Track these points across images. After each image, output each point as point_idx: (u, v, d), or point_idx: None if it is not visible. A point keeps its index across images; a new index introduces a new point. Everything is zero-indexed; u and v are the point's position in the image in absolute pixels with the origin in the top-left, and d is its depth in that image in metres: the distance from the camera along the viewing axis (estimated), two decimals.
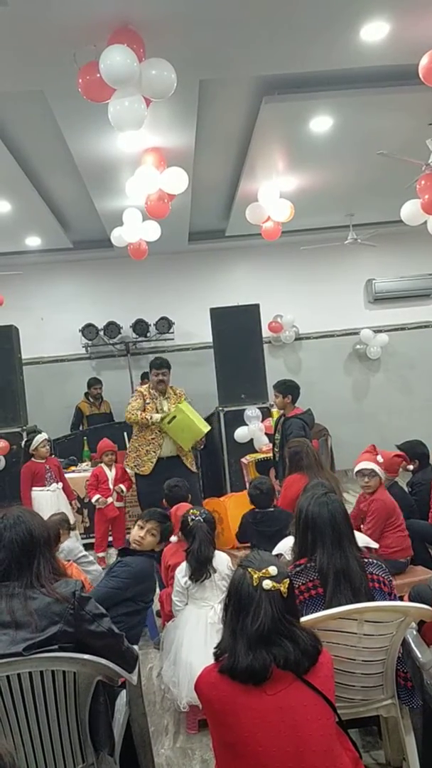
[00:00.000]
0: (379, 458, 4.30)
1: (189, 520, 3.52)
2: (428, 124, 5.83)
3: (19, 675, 2.14)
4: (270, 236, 7.36)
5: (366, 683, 2.45)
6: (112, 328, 9.44)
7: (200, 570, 3.37)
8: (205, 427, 5.66)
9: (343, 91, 5.37)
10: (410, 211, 6.42)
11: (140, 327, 9.47)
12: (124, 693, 2.58)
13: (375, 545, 3.40)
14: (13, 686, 2.14)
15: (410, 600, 3.26)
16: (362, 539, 3.19)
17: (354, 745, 2.07)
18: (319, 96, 5.39)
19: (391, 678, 2.48)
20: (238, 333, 7.95)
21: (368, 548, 3.17)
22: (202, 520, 3.52)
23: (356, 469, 4.33)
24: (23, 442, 6.30)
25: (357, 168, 7.07)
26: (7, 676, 2.13)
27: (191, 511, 3.63)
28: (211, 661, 1.97)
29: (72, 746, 2.23)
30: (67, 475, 6.54)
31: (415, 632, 2.61)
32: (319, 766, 1.82)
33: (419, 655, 2.49)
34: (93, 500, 5.98)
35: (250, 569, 1.94)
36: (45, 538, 2.33)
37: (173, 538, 3.74)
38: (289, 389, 5.75)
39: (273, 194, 7.07)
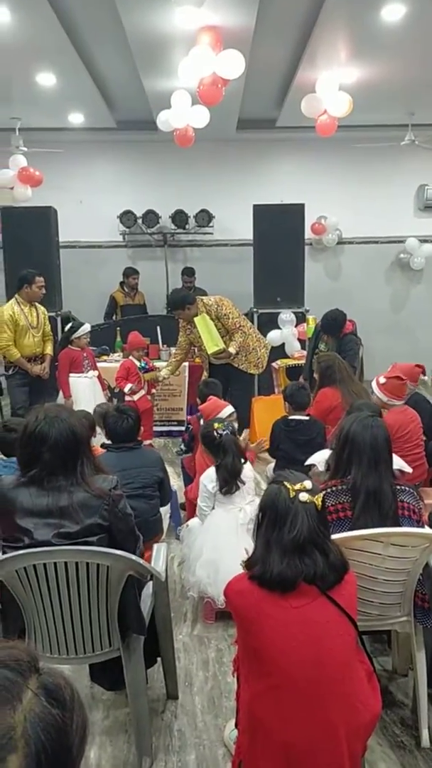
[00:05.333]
0: (381, 380, 4.18)
1: (216, 435, 3.54)
2: None
3: (55, 564, 2.24)
4: (324, 131, 6.99)
5: (384, 600, 2.54)
6: (151, 217, 9.22)
7: (231, 483, 3.43)
8: (212, 347, 5.68)
9: None
10: None
11: (179, 218, 9.23)
12: (150, 584, 2.71)
13: (409, 469, 3.41)
14: (49, 574, 2.25)
15: (431, 520, 3.32)
16: (397, 462, 3.21)
17: (369, 659, 2.16)
18: None
19: (410, 598, 2.56)
20: (279, 233, 7.72)
21: (402, 472, 3.19)
22: (230, 433, 3.54)
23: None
24: (67, 327, 6.31)
25: (424, 64, 6.57)
26: (44, 564, 2.24)
27: (216, 425, 3.63)
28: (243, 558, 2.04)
29: (101, 632, 2.38)
30: (99, 365, 6.59)
31: None
32: (337, 676, 1.91)
33: None
34: (126, 389, 6.01)
35: (286, 483, 1.97)
36: (86, 436, 2.40)
37: None
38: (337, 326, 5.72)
39: (332, 86, 6.65)
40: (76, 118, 8.44)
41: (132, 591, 2.43)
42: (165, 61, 6.19)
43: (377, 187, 9.51)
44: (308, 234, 8.76)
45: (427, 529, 2.62)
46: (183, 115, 6.49)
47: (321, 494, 1.98)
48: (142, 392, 6.06)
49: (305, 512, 1.93)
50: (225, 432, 3.53)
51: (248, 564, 1.99)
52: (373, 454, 2.57)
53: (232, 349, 5.75)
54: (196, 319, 5.73)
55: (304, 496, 1.93)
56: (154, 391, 6.37)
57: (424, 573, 2.56)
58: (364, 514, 2.52)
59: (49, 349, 6.21)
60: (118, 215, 9.23)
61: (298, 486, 1.95)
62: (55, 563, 2.25)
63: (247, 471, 3.55)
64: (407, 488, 2.62)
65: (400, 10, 5.36)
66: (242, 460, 3.50)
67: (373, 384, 4.21)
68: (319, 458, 3.41)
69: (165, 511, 3.90)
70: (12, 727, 0.77)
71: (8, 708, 0.79)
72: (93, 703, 2.85)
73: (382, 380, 4.15)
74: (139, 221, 9.24)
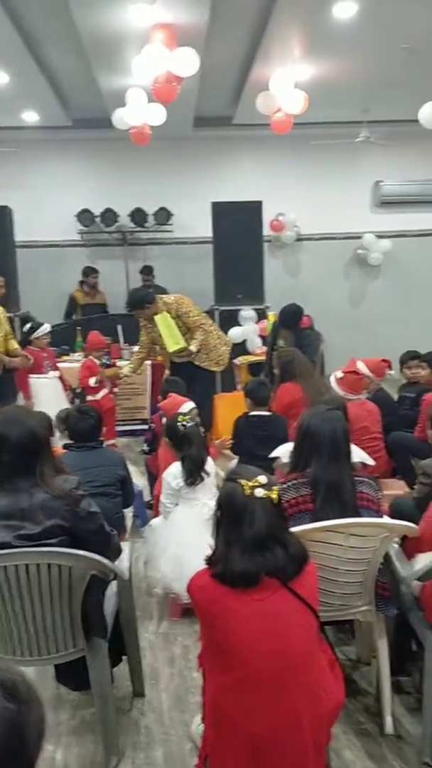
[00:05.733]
0: (338, 374, 4.23)
1: (180, 426, 3.55)
2: None
3: (16, 566, 2.23)
4: (280, 129, 7.03)
5: (346, 590, 2.58)
6: (109, 216, 9.17)
7: (196, 473, 3.44)
8: (173, 346, 5.67)
9: None
10: (430, 112, 6.15)
11: (138, 216, 9.19)
12: (114, 584, 2.70)
13: (371, 462, 3.48)
14: (10, 576, 2.23)
15: (391, 511, 3.38)
16: (359, 455, 3.26)
17: (331, 648, 2.19)
18: None
19: (371, 587, 2.61)
20: (238, 230, 7.75)
21: (363, 464, 3.24)
22: (194, 425, 3.56)
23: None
24: (26, 328, 6.22)
25: (378, 61, 6.66)
26: (4, 567, 2.22)
27: (180, 417, 3.65)
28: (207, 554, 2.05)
29: (65, 633, 2.37)
30: (59, 365, 6.54)
31: (397, 546, 2.72)
32: (300, 666, 1.93)
33: (399, 569, 2.61)
34: (91, 382, 5.95)
35: (240, 480, 1.98)
36: (46, 437, 2.38)
37: None
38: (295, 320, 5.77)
39: (287, 83, 6.68)
40: (30, 117, 8.34)
41: (95, 591, 2.42)
42: (119, 59, 6.16)
43: (334, 184, 9.61)
44: (267, 231, 8.80)
45: (386, 519, 2.67)
46: (139, 113, 6.46)
47: (276, 488, 2.00)
48: (105, 391, 6.03)
49: (262, 507, 1.94)
50: (189, 423, 3.55)
51: (210, 562, 2.00)
52: (333, 446, 2.61)
53: (193, 347, 5.75)
54: (156, 318, 5.72)
55: (259, 492, 1.95)
56: (116, 390, 6.34)
57: (384, 562, 2.61)
58: (325, 507, 2.56)
59: (16, 346, 6.07)
60: (75, 214, 9.15)
61: (252, 482, 1.96)
62: (16, 565, 2.23)
63: (210, 466, 3.57)
64: (366, 479, 2.67)
65: (352, 7, 5.42)
66: (206, 451, 3.52)
67: (331, 378, 4.27)
68: (284, 450, 3.43)
69: (128, 511, 3.90)
70: None
71: None
72: (59, 703, 2.83)
73: (339, 375, 4.21)
74: (98, 220, 9.17)
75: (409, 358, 5.17)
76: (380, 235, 9.75)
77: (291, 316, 5.83)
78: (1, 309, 6.12)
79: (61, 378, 6.22)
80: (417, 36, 5.70)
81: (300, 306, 5.89)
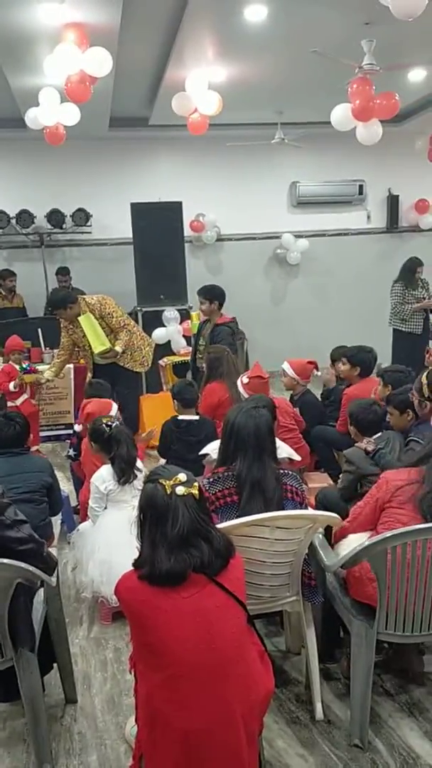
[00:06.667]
0: (245, 379, 4.32)
1: (105, 427, 3.53)
2: (364, 24, 5.63)
3: None
4: (196, 130, 7.06)
5: (274, 583, 2.63)
6: (25, 217, 8.96)
7: (128, 472, 3.43)
8: (98, 347, 5.63)
9: None
10: (340, 115, 6.32)
11: (56, 218, 9.03)
12: (41, 591, 2.66)
13: (297, 457, 3.55)
14: None
15: (317, 502, 3.47)
16: (286, 450, 3.32)
17: (260, 639, 2.23)
18: None
19: (297, 577, 2.67)
20: (159, 230, 7.75)
21: (291, 460, 3.31)
22: (120, 424, 3.55)
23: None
24: None
25: (289, 64, 6.79)
26: None
27: (103, 419, 3.62)
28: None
29: None
30: None
31: (321, 536, 2.80)
32: (231, 658, 1.96)
33: (324, 558, 2.68)
34: (11, 386, 5.80)
35: (161, 480, 2.00)
36: None
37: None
38: (216, 296, 5.72)
39: (201, 84, 6.72)
40: None
41: (22, 599, 2.38)
42: (30, 58, 6.03)
43: (252, 185, 9.74)
44: (188, 231, 8.83)
45: (310, 510, 2.74)
46: (52, 112, 6.34)
47: (196, 483, 2.03)
48: (25, 396, 5.90)
49: (184, 505, 1.96)
50: (114, 423, 3.53)
51: (136, 565, 2.00)
52: (257, 443, 2.66)
53: (118, 348, 5.70)
54: (80, 319, 5.63)
55: (180, 490, 1.97)
56: (36, 397, 6.20)
57: (309, 552, 2.68)
58: (251, 503, 2.61)
59: None
60: None
61: (172, 481, 1.98)
62: None
63: (140, 464, 3.57)
64: (290, 472, 2.73)
65: (262, 11, 5.51)
66: (135, 448, 3.51)
67: (238, 383, 4.33)
68: (213, 447, 3.46)
69: (56, 518, 3.83)
70: None
71: None
72: None
73: (245, 380, 4.27)
74: (13, 221, 8.96)
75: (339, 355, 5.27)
76: (298, 235, 9.95)
77: (211, 289, 5.83)
78: None
79: None
80: (326, 39, 5.84)
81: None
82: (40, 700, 2.46)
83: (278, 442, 3.32)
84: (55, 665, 2.80)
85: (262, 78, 7.20)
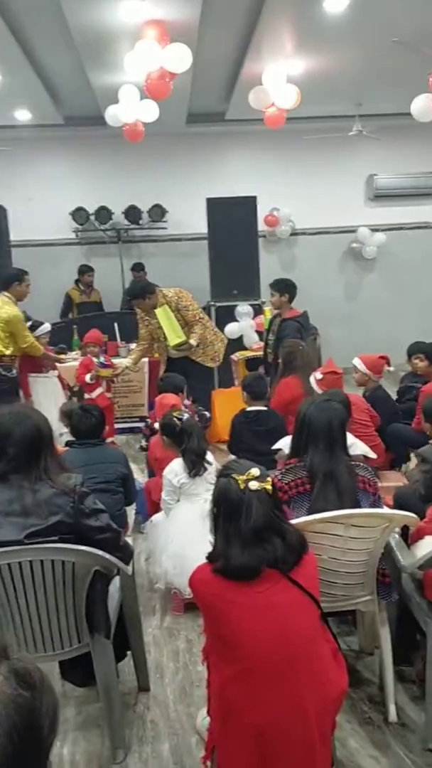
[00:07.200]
0: (318, 375, 4.26)
1: (176, 421, 3.56)
2: None
3: (20, 563, 2.24)
4: (273, 123, 7.04)
5: (348, 581, 2.60)
6: (104, 214, 9.16)
7: (198, 465, 3.46)
8: (174, 339, 5.66)
9: None
10: (421, 105, 6.17)
11: (132, 214, 9.19)
12: (117, 579, 2.71)
13: (373, 455, 3.50)
14: (14, 572, 2.25)
15: (394, 502, 3.40)
16: (361, 448, 3.28)
17: (334, 637, 2.21)
18: None
19: (372, 577, 2.63)
20: (233, 225, 7.74)
21: (366, 457, 3.27)
22: (190, 417, 3.58)
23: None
24: None
25: (369, 55, 6.67)
26: (8, 564, 2.23)
27: (174, 412, 3.65)
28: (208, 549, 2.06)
29: (69, 628, 2.38)
30: (57, 364, 6.53)
31: (397, 536, 2.74)
32: (303, 655, 1.95)
33: (400, 558, 2.63)
34: (87, 378, 5.95)
35: (234, 475, 2.00)
36: (50, 433, 2.40)
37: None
38: (287, 288, 5.69)
39: (279, 78, 6.69)
40: (23, 115, 8.32)
41: (99, 587, 2.44)
42: (111, 56, 6.15)
43: (328, 178, 9.62)
44: (261, 226, 8.81)
45: (385, 509, 2.69)
46: (131, 109, 6.46)
47: (270, 478, 2.02)
48: (100, 390, 6.03)
49: (258, 500, 1.96)
50: (184, 416, 3.56)
51: (210, 558, 2.01)
52: (329, 435, 2.63)
53: (193, 341, 5.74)
54: (157, 311, 5.68)
55: (253, 485, 1.96)
56: (111, 390, 6.33)
57: (384, 550, 2.63)
58: (323, 493, 2.58)
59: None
60: (70, 212, 9.14)
61: (246, 475, 1.98)
62: (20, 562, 2.24)
63: (211, 456, 3.59)
64: (362, 464, 2.70)
65: (343, 2, 5.42)
66: (206, 442, 3.54)
67: (311, 380, 4.28)
68: (286, 442, 3.45)
69: (130, 508, 3.91)
70: None
71: None
72: (65, 700, 2.84)
73: (318, 376, 4.22)
74: (92, 218, 9.17)
75: (416, 350, 5.18)
76: (374, 229, 9.77)
77: (281, 282, 5.81)
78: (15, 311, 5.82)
79: (59, 377, 6.22)
80: (407, 29, 5.70)
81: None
82: (114, 686, 2.52)
83: (353, 440, 3.29)
84: (128, 653, 2.85)
85: (342, 70, 7.10)
